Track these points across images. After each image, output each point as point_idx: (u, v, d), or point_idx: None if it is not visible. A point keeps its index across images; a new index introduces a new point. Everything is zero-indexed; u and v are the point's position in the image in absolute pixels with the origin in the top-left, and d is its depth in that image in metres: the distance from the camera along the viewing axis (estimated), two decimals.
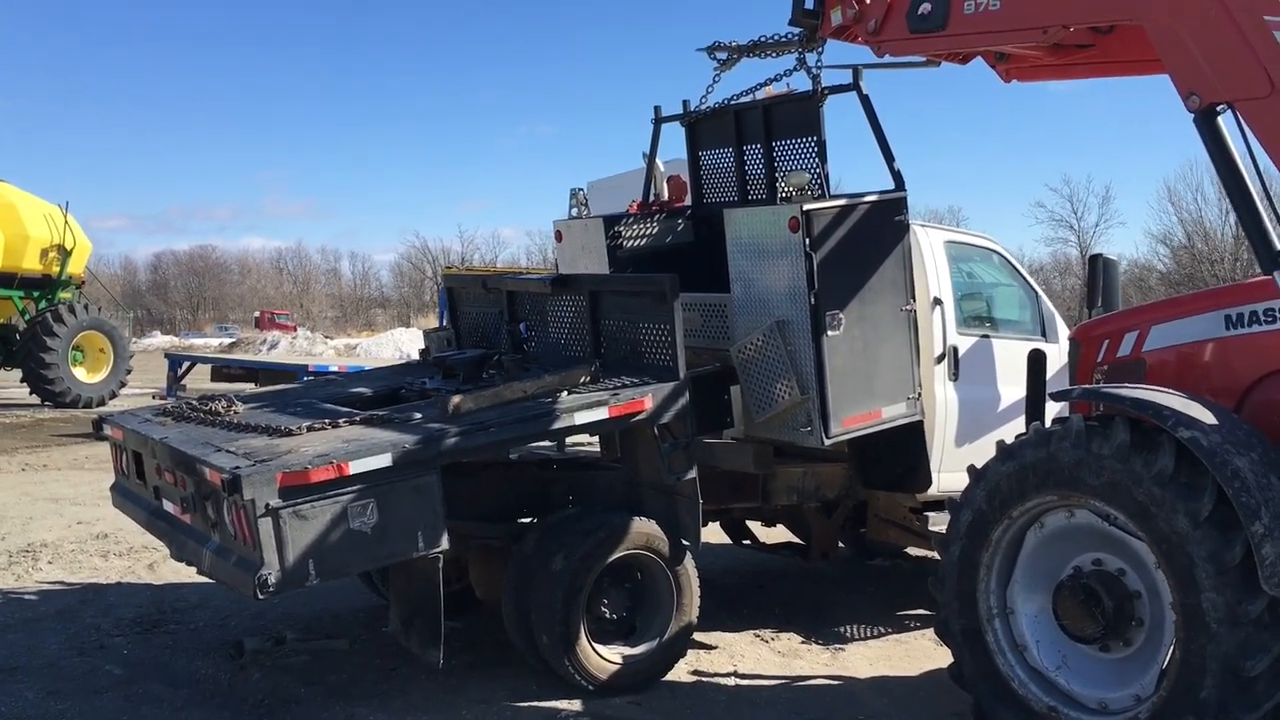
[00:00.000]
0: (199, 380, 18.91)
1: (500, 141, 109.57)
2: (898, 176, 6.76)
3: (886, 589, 8.69)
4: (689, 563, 6.27)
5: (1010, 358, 7.67)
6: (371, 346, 53.45)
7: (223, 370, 17.51)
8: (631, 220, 7.98)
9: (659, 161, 8.61)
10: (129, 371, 23.56)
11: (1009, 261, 8.10)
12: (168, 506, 5.94)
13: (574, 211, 8.23)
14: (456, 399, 5.70)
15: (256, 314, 73.16)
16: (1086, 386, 5.39)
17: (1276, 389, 5.09)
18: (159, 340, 57.97)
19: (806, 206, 6.36)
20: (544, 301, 7.15)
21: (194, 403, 6.67)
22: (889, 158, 6.80)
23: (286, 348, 53.92)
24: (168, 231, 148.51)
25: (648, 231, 8.02)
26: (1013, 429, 7.64)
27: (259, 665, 6.38)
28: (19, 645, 6.69)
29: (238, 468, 4.95)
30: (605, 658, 5.99)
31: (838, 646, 7.08)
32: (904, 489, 7.36)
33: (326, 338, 60.54)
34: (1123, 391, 5.03)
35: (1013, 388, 7.68)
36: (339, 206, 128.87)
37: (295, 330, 62.60)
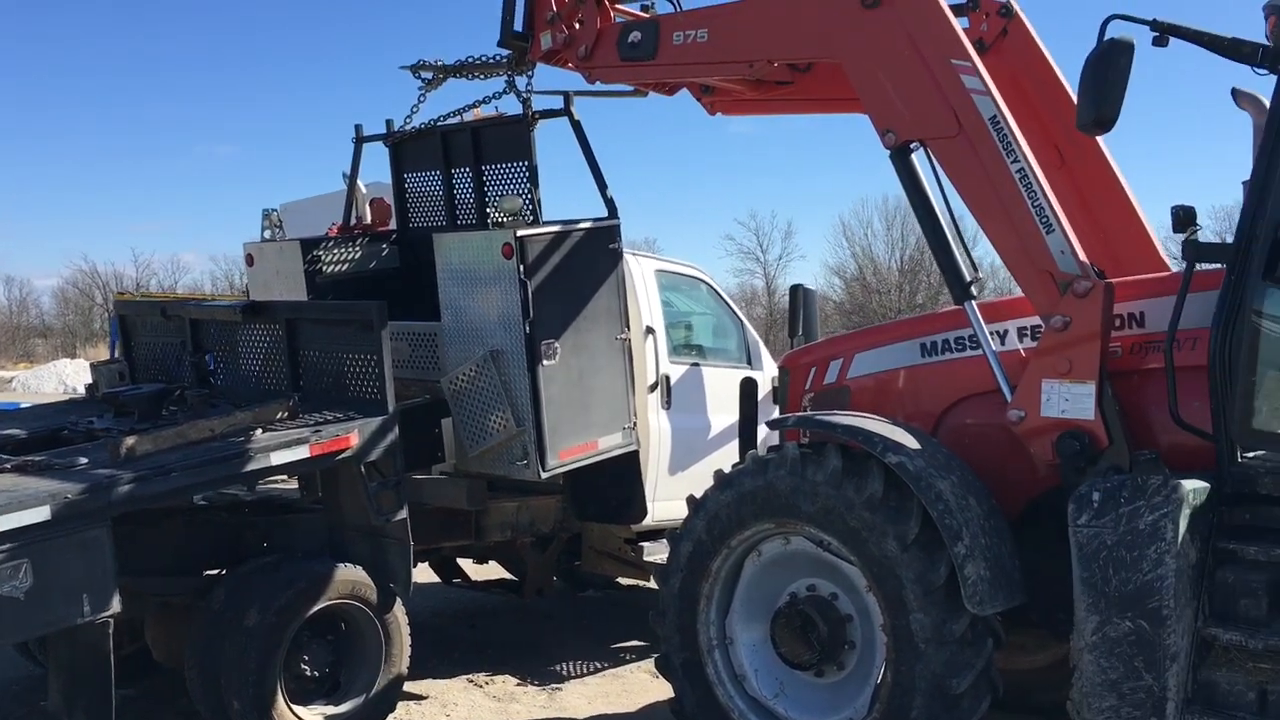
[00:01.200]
0: None
1: (175, 161, 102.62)
2: (610, 204, 6.71)
3: (600, 622, 8.59)
4: (399, 609, 5.87)
5: (719, 385, 7.80)
6: (30, 380, 48.44)
7: None
8: (332, 244, 7.51)
9: (360, 184, 8.16)
10: None
11: (715, 291, 8.26)
12: None
13: (267, 234, 7.65)
14: (130, 440, 5.05)
15: None
16: (800, 414, 5.50)
17: (967, 413, 5.36)
18: None
19: (520, 232, 6.17)
20: (234, 330, 6.54)
21: None
22: (602, 185, 6.74)
23: None
24: None
25: (350, 256, 7.56)
26: (723, 456, 7.78)
27: None
28: None
29: None
30: None
31: (554, 686, 6.87)
32: (619, 520, 7.28)
33: None
34: (833, 419, 5.14)
35: (722, 415, 7.81)
36: None
37: None
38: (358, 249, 7.62)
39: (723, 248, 67.52)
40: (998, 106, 4.90)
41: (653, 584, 9.06)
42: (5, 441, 5.90)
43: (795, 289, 7.81)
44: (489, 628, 8.29)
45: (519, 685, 6.88)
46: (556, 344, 6.29)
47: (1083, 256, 4.76)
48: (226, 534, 6.11)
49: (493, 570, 8.52)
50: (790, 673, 5.18)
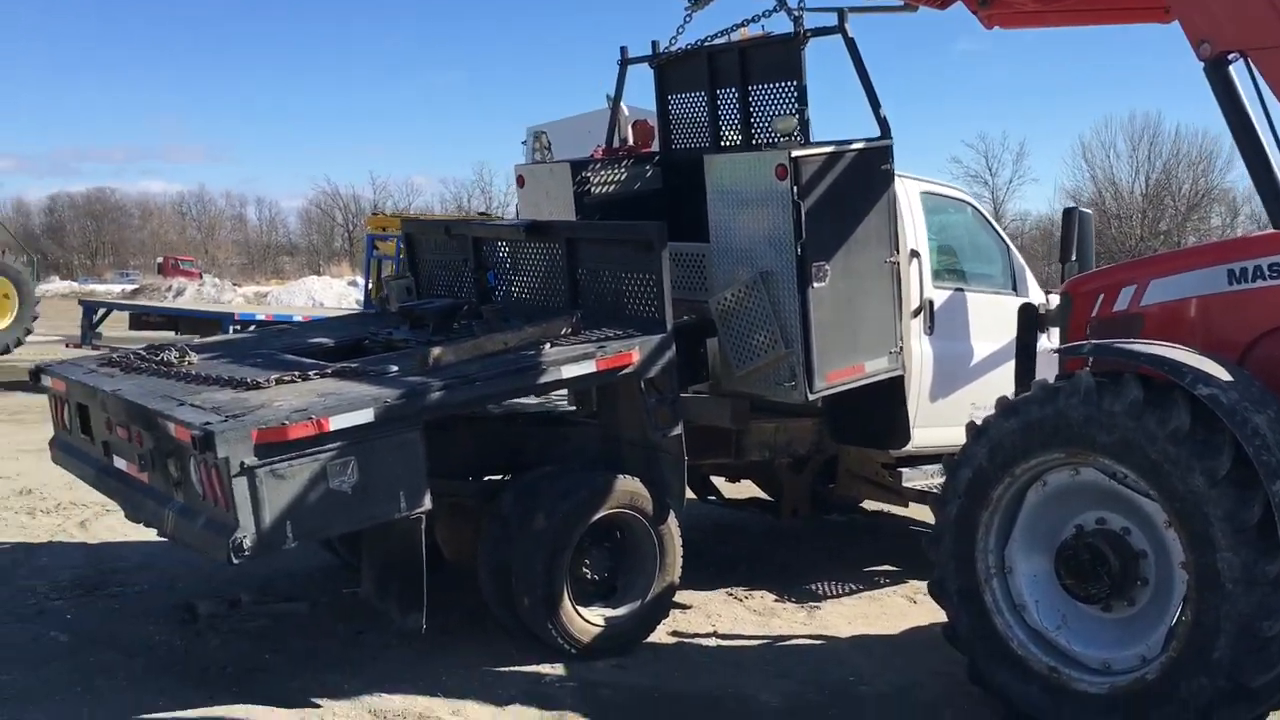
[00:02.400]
0: (115, 328, 18.03)
1: (405, 88, 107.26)
2: (884, 123, 6.56)
3: (847, 545, 8.62)
4: (672, 522, 6.07)
5: (983, 312, 7.59)
6: (283, 295, 52.09)
7: (141, 318, 16.68)
8: (598, 166, 7.67)
9: (623, 106, 8.29)
10: (35, 318, 22.43)
11: (981, 214, 7.99)
12: (120, 464, 5.54)
13: (536, 156, 7.91)
14: (437, 351, 5.38)
15: (159, 260, 70.73)
16: (1097, 342, 5.28)
17: (1278, 345, 5.04)
18: (58, 286, 55.61)
19: (795, 153, 6.14)
20: (515, 249, 6.82)
21: (142, 352, 6.22)
22: (875, 103, 6.59)
23: (193, 295, 52.30)
24: (60, 174, 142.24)
25: (615, 178, 7.72)
26: (985, 384, 7.61)
27: (215, 630, 6.03)
28: None
29: (208, 423, 4.59)
30: (588, 620, 5.77)
31: (813, 605, 6.97)
32: (880, 445, 7.25)
33: (235, 285, 58.89)
34: (1135, 347, 4.93)
35: (985, 342, 7.62)
36: (239, 152, 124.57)
37: (200, 277, 60.69)
38: (623, 171, 7.77)
39: (949, 171, 65.06)
40: None
41: (901, 510, 9.07)
42: (315, 349, 6.40)
43: (1070, 212, 7.45)
44: (740, 544, 8.46)
45: (777, 601, 7.02)
46: (827, 266, 6.26)
47: None
48: (509, 443, 6.45)
49: (745, 489, 8.66)
50: (1074, 605, 5.07)
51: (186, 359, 5.98)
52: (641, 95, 8.28)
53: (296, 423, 4.65)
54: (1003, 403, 5.27)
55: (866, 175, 6.45)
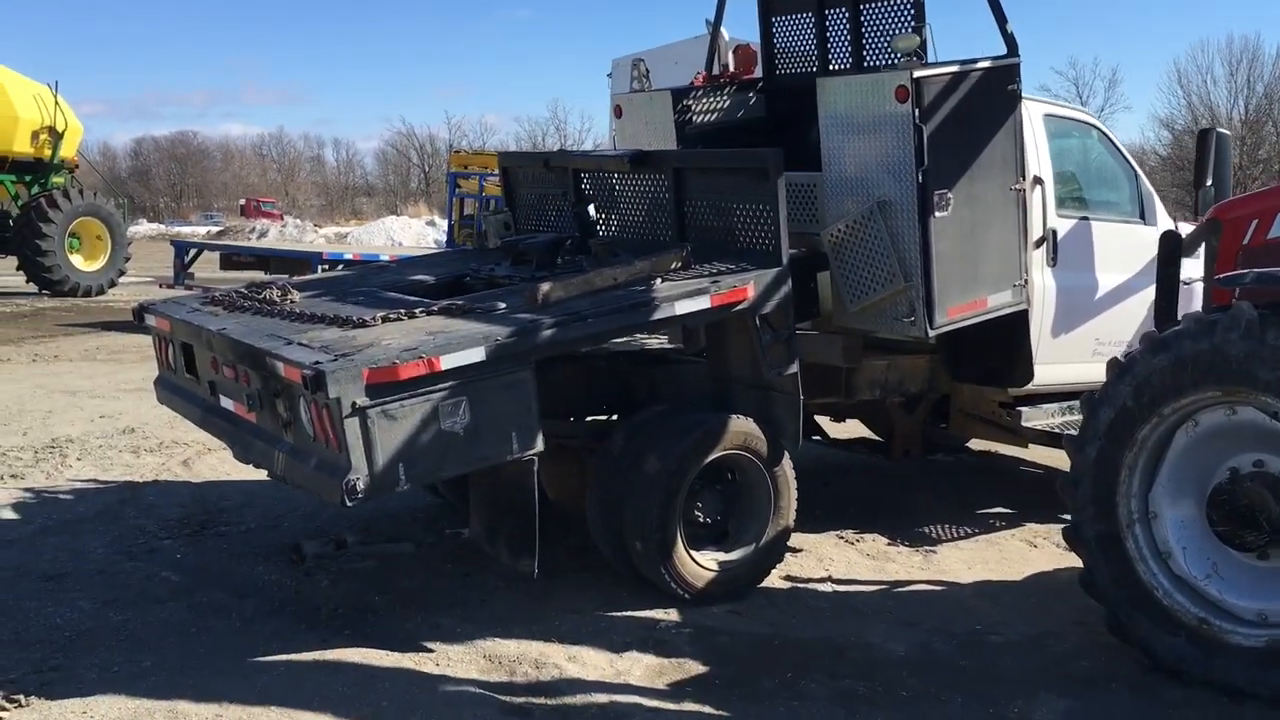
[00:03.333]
0: (205, 269, 18.22)
1: (477, 25, 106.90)
2: (1011, 40, 6.16)
3: (955, 485, 8.35)
4: (787, 463, 5.84)
5: (1110, 242, 7.18)
6: (363, 235, 52.61)
7: (232, 258, 16.81)
8: (700, 93, 7.37)
9: (723, 30, 7.94)
10: (127, 259, 22.84)
11: (1108, 137, 7.51)
12: (227, 404, 5.46)
13: (635, 85, 7.60)
14: (546, 287, 5.18)
15: (242, 202, 71.82)
16: (1263, 270, 4.89)
17: None
18: (145, 228, 56.80)
19: (917, 73, 5.77)
20: (618, 181, 6.57)
21: (244, 290, 6.12)
22: (1001, 18, 6.19)
23: (276, 235, 53.02)
24: (143, 117, 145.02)
25: (718, 105, 7.42)
26: (1110, 319, 7.23)
27: (325, 571, 5.98)
28: (63, 549, 6.25)
29: (318, 363, 4.45)
30: (701, 565, 5.59)
31: (928, 549, 6.72)
32: (1000, 383, 6.92)
33: (316, 226, 59.59)
34: None
35: (1112, 274, 7.23)
36: (316, 93, 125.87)
37: (282, 218, 61.60)
38: (725, 98, 7.46)
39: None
40: None
41: (1010, 450, 8.74)
42: (416, 286, 6.25)
43: (1206, 133, 6.97)
44: (846, 485, 8.23)
45: (890, 545, 6.78)
46: (949, 194, 5.92)
47: None
48: (614, 382, 6.26)
49: (850, 429, 8.40)
50: (1226, 553, 4.76)
51: (289, 297, 5.87)
52: (739, 23, 7.93)
53: (407, 361, 4.50)
54: (1150, 338, 4.92)
55: (992, 97, 6.07)
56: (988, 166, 6.09)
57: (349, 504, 4.47)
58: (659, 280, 5.48)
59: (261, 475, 7.73)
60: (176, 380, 6.08)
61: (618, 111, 7.64)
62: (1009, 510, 7.66)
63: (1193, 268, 7.72)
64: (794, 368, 5.68)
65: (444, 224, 48.49)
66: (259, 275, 18.30)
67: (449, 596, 5.68)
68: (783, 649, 5.12)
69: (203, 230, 56.40)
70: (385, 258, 14.50)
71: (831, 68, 7.22)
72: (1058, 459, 8.85)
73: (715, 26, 7.82)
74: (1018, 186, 6.24)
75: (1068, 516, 7.51)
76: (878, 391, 7.12)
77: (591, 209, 6.71)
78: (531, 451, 4.90)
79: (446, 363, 4.57)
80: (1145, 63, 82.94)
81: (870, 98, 5.94)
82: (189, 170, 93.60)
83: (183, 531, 6.65)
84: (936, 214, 5.86)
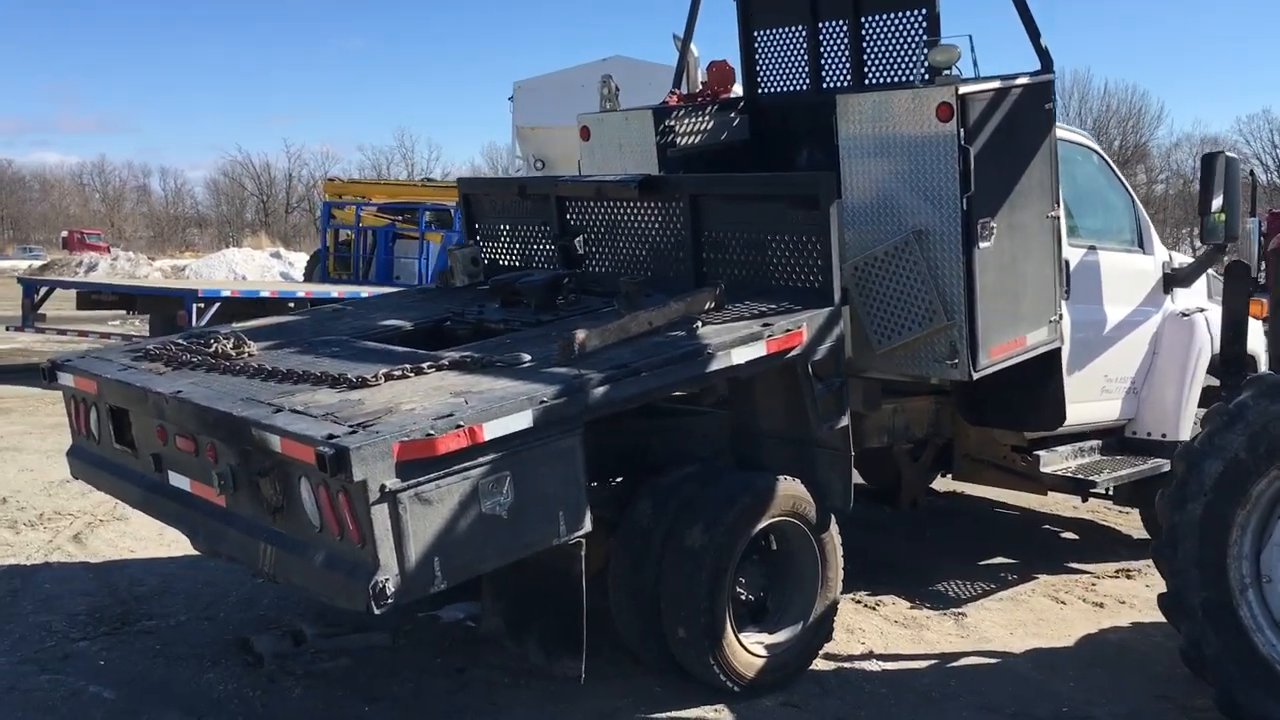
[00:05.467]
0: (60, 307, 16.36)
1: (312, 55, 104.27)
2: (1045, 55, 5.70)
3: (943, 534, 7.85)
4: (834, 530, 5.15)
5: (1114, 272, 6.81)
6: (202, 268, 49.71)
7: (90, 296, 15.07)
8: (682, 114, 6.68)
9: (692, 47, 7.27)
10: None
11: (1106, 162, 7.16)
12: (179, 482, 4.45)
13: (606, 104, 6.85)
14: (582, 334, 4.35)
15: (64, 234, 67.42)
16: None
17: None
18: None
19: (963, 89, 5.22)
20: (615, 210, 5.80)
21: (185, 342, 5.07)
22: (1034, 32, 5.73)
23: (106, 269, 49.71)
24: None
25: (702, 126, 6.77)
26: (1117, 354, 6.88)
27: (289, 675, 4.98)
28: None
29: (333, 436, 3.54)
30: (750, 650, 4.83)
31: (956, 612, 6.15)
32: (1028, 426, 6.42)
33: (150, 258, 56.31)
34: None
35: (1117, 307, 6.86)
36: (138, 121, 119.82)
37: (109, 251, 57.92)
38: (708, 119, 6.80)
39: None
40: None
41: (977, 490, 8.34)
42: (391, 333, 5.33)
43: (1211, 157, 6.60)
44: None
45: (913, 608, 6.18)
46: (993, 223, 5.40)
47: None
48: (629, 439, 5.42)
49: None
50: None
51: (245, 349, 4.86)
52: (704, 39, 7.28)
53: (445, 433, 3.63)
54: (1269, 381, 4.44)
55: (1030, 115, 5.61)
56: (1026, 193, 5.62)
57: (376, 611, 3.56)
58: (699, 324, 4.73)
59: (174, 553, 6.68)
60: (102, 453, 4.99)
61: (584, 134, 6.87)
62: (1010, 560, 7.19)
63: (1188, 298, 7.46)
64: (845, 420, 5.01)
65: (292, 256, 46.31)
66: (122, 314, 16.71)
67: (452, 704, 4.76)
68: None
69: (23, 265, 52.48)
70: (301, 294, 13.35)
71: (825, 85, 6.66)
72: (1029, 500, 8.52)
73: (685, 41, 7.14)
74: (1053, 214, 5.78)
75: (1075, 565, 7.25)
76: (885, 438, 6.54)
77: (579, 242, 5.92)
78: (580, 533, 4.08)
79: (490, 431, 3.73)
80: None
81: (906, 115, 5.37)
82: (3, 201, 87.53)
83: (99, 629, 5.50)
84: (980, 244, 5.33)
